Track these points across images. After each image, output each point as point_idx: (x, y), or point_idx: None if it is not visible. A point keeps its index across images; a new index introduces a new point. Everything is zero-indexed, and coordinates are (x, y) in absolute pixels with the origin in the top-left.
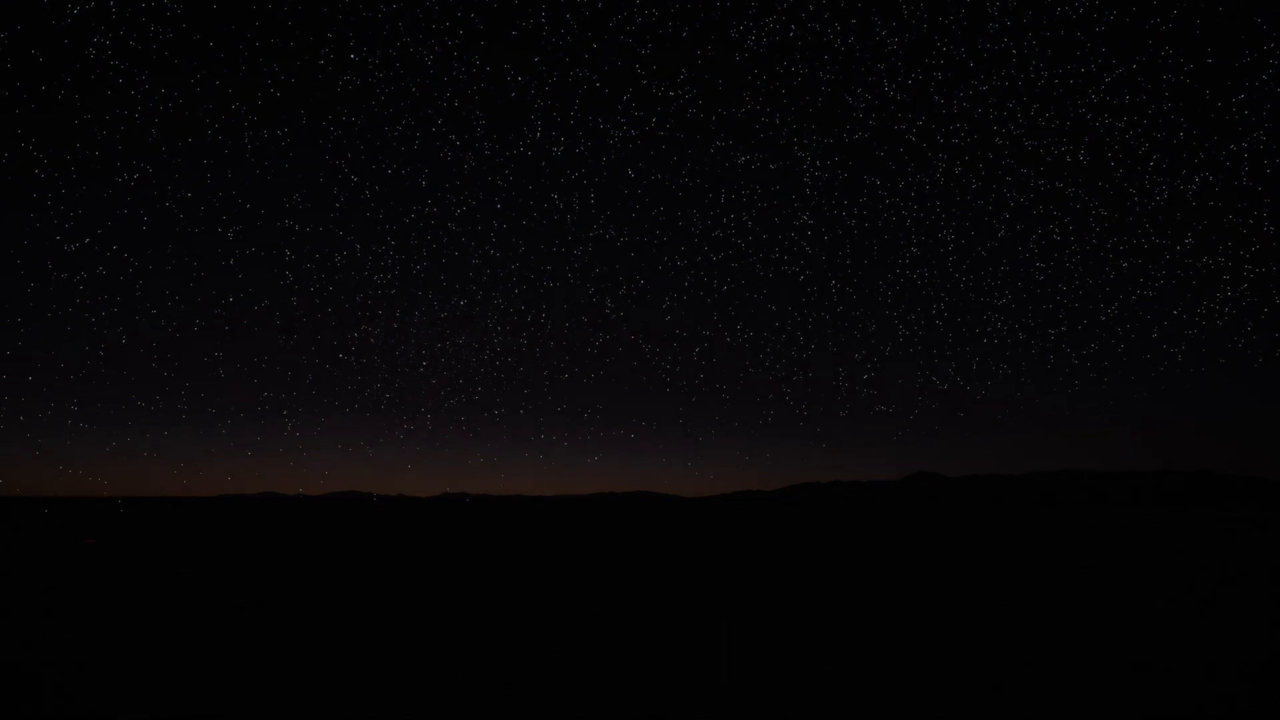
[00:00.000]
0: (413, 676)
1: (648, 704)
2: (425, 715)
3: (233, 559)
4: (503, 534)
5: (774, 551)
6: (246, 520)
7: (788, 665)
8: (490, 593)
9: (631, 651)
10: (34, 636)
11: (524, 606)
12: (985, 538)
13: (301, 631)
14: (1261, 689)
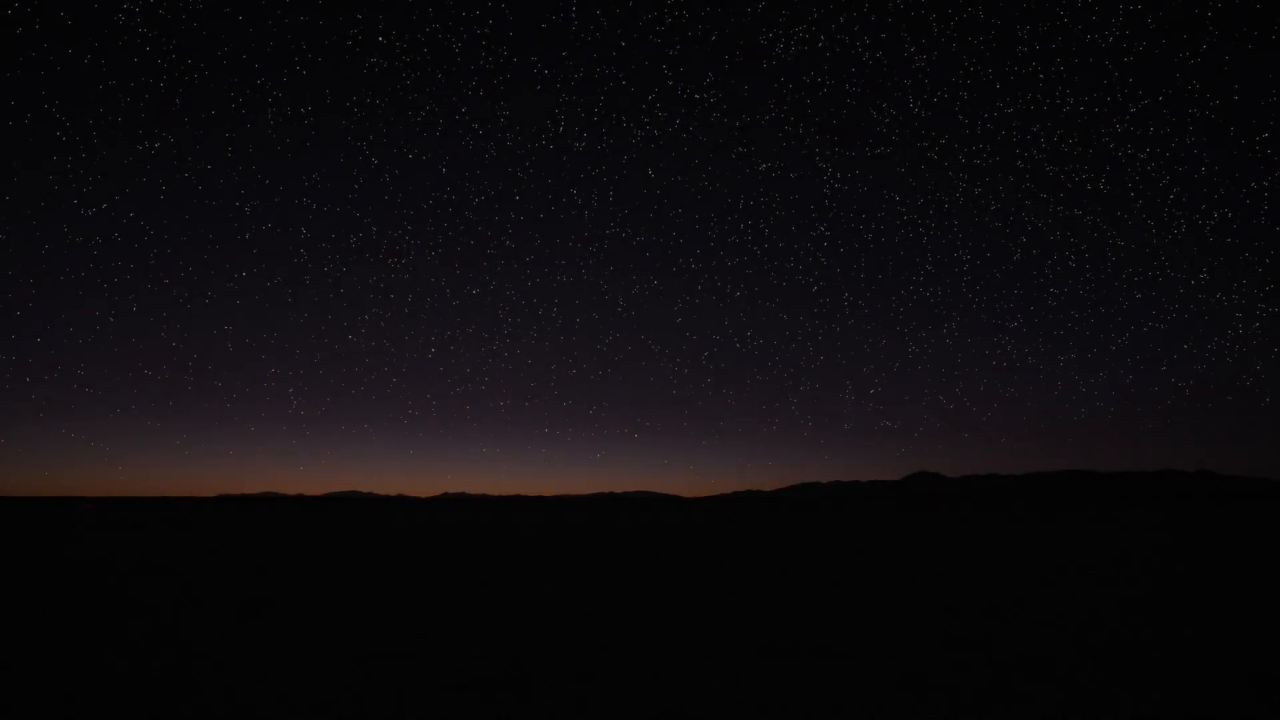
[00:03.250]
0: (415, 676)
1: (651, 703)
2: (428, 715)
3: (234, 558)
4: (503, 535)
5: (772, 550)
6: (246, 519)
7: (788, 664)
8: (492, 593)
9: (632, 651)
10: (35, 635)
11: (525, 607)
12: (984, 537)
13: (303, 631)
14: (1262, 689)
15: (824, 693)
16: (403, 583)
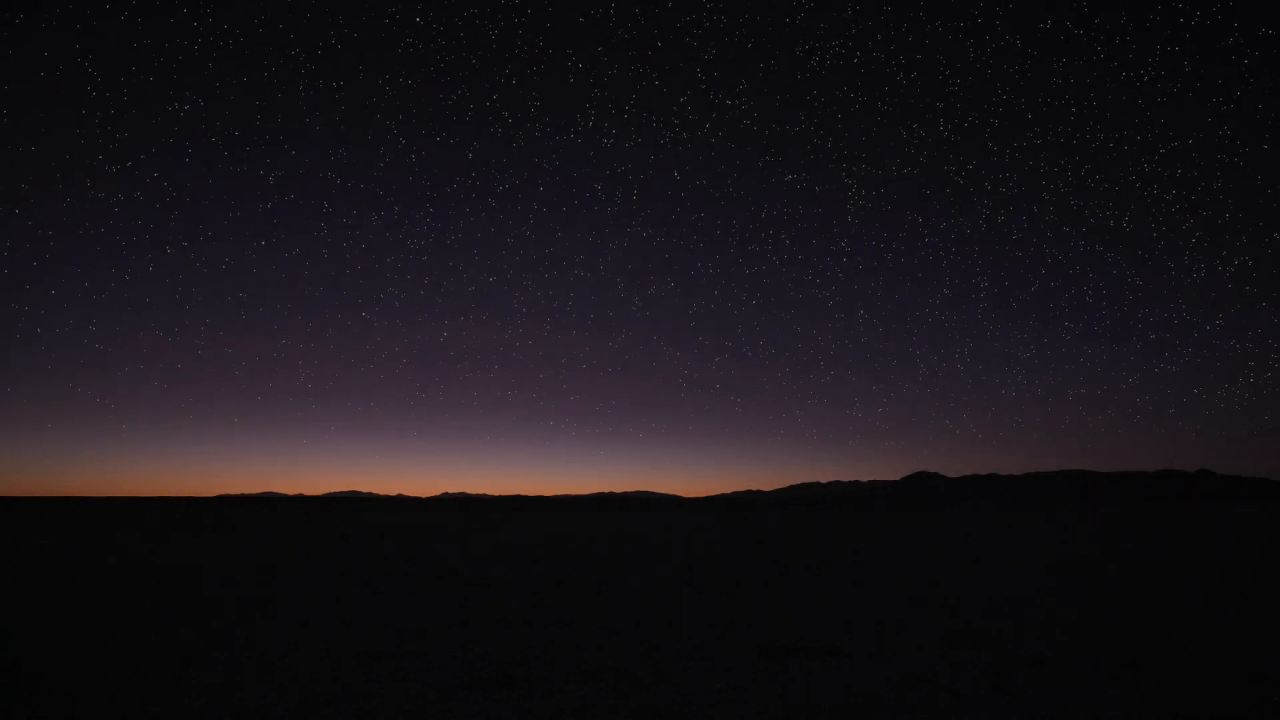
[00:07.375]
0: (415, 676)
1: (651, 703)
2: (428, 715)
3: (234, 557)
4: (503, 535)
5: (772, 550)
6: (246, 519)
7: (788, 664)
8: (492, 593)
9: (633, 651)
10: (35, 635)
11: (525, 607)
12: (984, 537)
13: (304, 631)
14: (1263, 689)
15: (824, 693)
16: (403, 583)
